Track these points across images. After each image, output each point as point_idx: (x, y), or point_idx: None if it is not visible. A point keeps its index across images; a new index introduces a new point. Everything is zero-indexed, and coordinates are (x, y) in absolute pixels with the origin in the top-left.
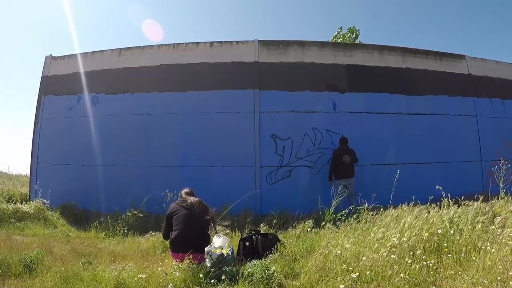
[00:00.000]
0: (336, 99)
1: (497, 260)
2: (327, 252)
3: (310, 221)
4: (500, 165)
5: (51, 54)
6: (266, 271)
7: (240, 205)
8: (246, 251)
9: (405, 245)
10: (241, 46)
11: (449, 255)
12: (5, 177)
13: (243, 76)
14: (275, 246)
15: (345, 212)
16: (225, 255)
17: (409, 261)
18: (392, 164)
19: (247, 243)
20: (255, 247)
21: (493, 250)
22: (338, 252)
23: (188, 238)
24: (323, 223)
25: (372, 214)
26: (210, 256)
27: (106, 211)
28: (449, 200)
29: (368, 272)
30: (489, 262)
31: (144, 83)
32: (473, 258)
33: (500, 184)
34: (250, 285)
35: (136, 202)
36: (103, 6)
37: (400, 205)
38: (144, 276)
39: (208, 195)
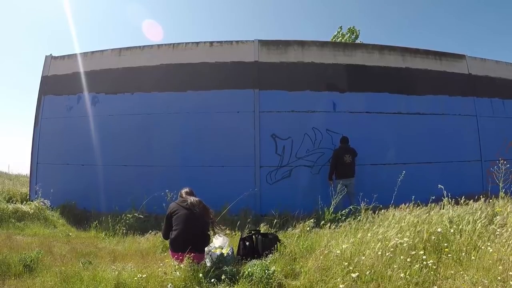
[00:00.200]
0: (336, 99)
1: (497, 260)
2: (327, 252)
3: (310, 221)
4: (500, 165)
5: (51, 54)
6: (266, 271)
7: (240, 205)
8: (246, 251)
9: (405, 245)
10: (241, 46)
11: (449, 255)
12: (5, 177)
13: (243, 76)
14: (275, 246)
15: (345, 212)
16: (225, 254)
17: (409, 261)
18: (392, 164)
19: (247, 243)
20: (255, 247)
21: (493, 250)
22: (338, 252)
23: (188, 238)
24: (323, 222)
25: (372, 214)
26: (210, 255)
27: (106, 211)
28: (449, 199)
29: (368, 272)
30: (489, 262)
31: (144, 83)
32: (473, 257)
33: (500, 184)
34: (250, 285)
35: (136, 202)
36: (103, 6)
37: (401, 205)
38: (144, 276)
39: (208, 195)
